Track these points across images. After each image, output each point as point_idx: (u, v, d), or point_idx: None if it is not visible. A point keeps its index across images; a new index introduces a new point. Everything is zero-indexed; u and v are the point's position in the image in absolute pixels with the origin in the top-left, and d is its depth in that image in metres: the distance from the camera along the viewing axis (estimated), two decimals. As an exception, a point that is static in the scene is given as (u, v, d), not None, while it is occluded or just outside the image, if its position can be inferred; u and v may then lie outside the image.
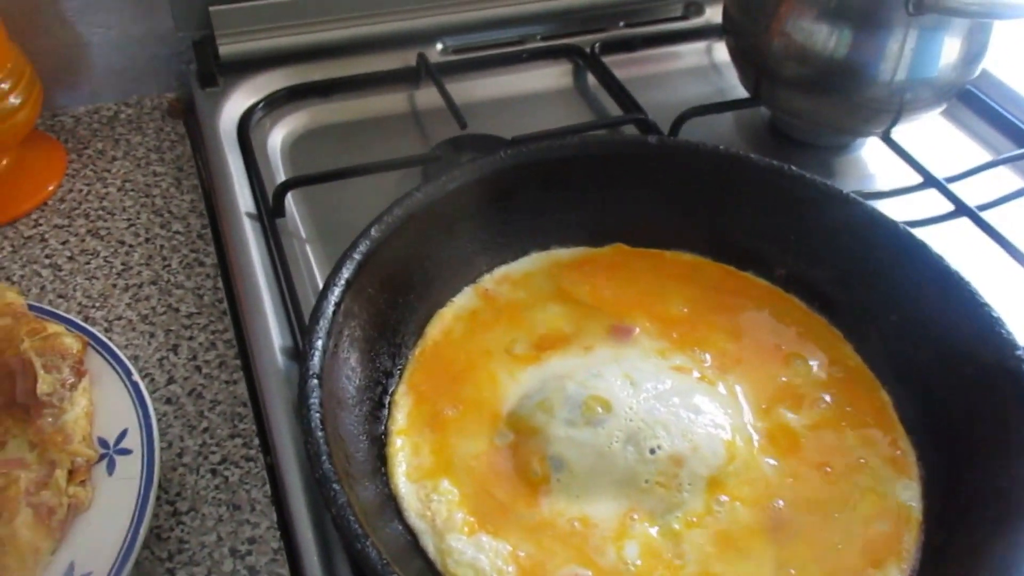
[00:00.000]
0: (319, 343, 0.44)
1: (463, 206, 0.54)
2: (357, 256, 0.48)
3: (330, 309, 0.45)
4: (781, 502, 0.45)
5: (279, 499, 0.51)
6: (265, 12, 0.75)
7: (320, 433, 0.40)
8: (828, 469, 0.47)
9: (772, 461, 0.47)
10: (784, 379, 0.52)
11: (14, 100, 0.63)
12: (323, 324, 0.44)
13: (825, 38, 0.66)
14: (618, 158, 0.57)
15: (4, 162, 0.67)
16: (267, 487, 0.52)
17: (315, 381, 0.42)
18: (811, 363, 0.53)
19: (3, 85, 0.62)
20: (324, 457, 0.39)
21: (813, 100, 0.70)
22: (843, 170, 0.75)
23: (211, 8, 0.72)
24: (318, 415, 0.41)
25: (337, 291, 0.46)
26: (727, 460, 0.46)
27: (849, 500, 0.46)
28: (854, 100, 0.68)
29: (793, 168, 0.56)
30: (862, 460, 0.48)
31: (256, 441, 0.54)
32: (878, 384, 0.52)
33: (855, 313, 0.54)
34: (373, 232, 0.49)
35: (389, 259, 0.50)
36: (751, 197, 0.57)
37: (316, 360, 0.43)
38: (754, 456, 0.47)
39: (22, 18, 0.66)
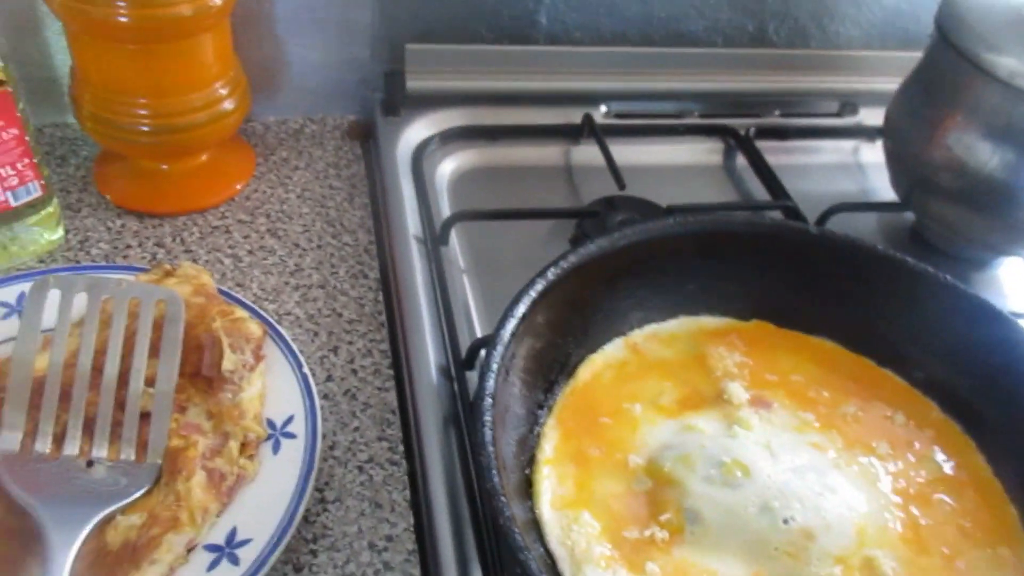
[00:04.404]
0: (495, 366, 0.47)
1: (628, 263, 0.58)
2: (533, 293, 0.52)
3: (507, 336, 0.49)
4: (905, 594, 0.47)
5: (416, 504, 0.55)
6: (453, 55, 0.81)
7: (491, 448, 0.44)
8: (953, 571, 0.48)
9: (900, 553, 0.49)
10: (914, 476, 0.53)
11: (228, 105, 0.70)
12: (500, 350, 0.48)
13: (987, 156, 0.68)
14: (779, 241, 0.60)
15: (204, 158, 0.74)
16: (407, 491, 0.56)
17: (490, 400, 0.46)
18: (942, 467, 0.54)
19: (223, 90, 0.69)
20: (494, 471, 0.43)
21: (964, 214, 0.72)
22: (982, 285, 0.76)
23: (407, 45, 0.79)
24: (490, 432, 0.44)
25: (514, 322, 0.50)
26: (857, 543, 0.48)
27: (973, 607, 0.47)
28: (1006, 220, 0.70)
29: (948, 277, 0.58)
30: (987, 572, 0.49)
31: (401, 447, 0.58)
32: (1007, 500, 0.53)
33: (992, 426, 0.56)
34: (549, 274, 0.53)
35: (557, 301, 0.54)
36: (901, 298, 0.59)
37: (491, 382, 0.47)
38: (883, 544, 0.49)
39: (243, 31, 0.73)
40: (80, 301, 0.55)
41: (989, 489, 0.54)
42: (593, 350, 0.58)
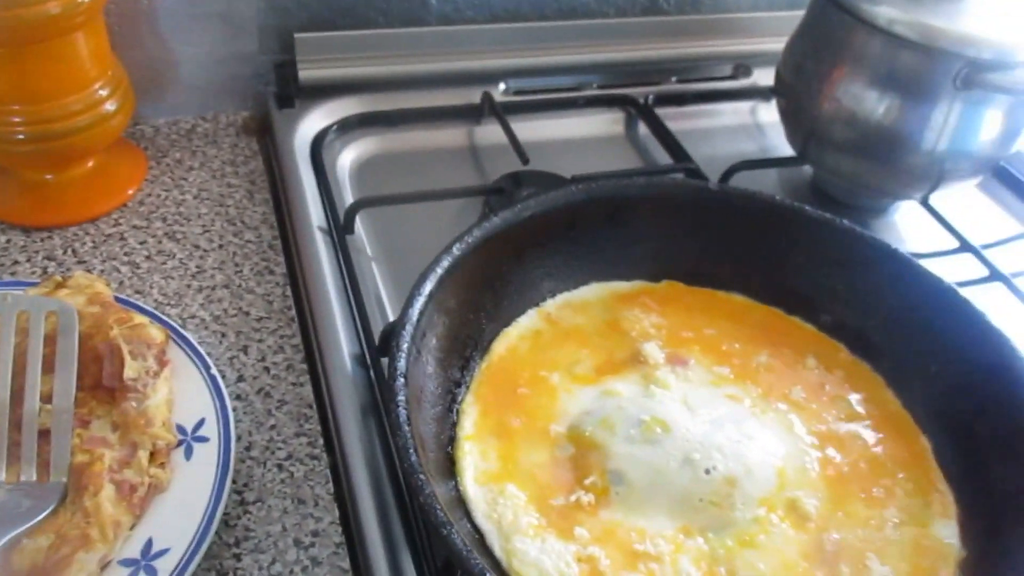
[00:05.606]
0: (405, 346, 0.47)
1: (534, 233, 0.58)
2: (439, 270, 0.51)
3: (415, 315, 0.48)
4: (828, 529, 0.48)
5: (341, 497, 0.54)
6: (345, 42, 0.79)
7: (407, 428, 0.43)
8: (871, 503, 0.50)
9: (820, 491, 0.50)
10: (828, 416, 0.55)
11: (110, 107, 0.67)
12: (408, 329, 0.47)
13: (874, 105, 0.70)
14: (680, 201, 0.61)
15: (90, 164, 0.71)
16: (330, 485, 0.54)
17: (402, 380, 0.45)
18: (854, 405, 0.56)
19: (102, 91, 0.66)
20: (411, 450, 0.42)
21: (858, 162, 0.74)
22: (881, 231, 0.78)
23: (296, 35, 0.77)
24: (404, 411, 0.44)
25: (421, 300, 0.49)
26: (778, 486, 0.49)
27: (891, 535, 0.49)
28: (897, 165, 0.72)
29: (845, 221, 0.59)
30: (903, 499, 0.51)
31: (320, 441, 0.57)
32: (918, 430, 0.55)
33: (897, 361, 0.57)
34: (455, 250, 0.52)
35: (466, 277, 0.54)
36: (803, 246, 0.60)
37: (402, 362, 0.46)
38: (803, 484, 0.50)
39: (122, 30, 0.70)
40: (-38, 320, 0.52)
41: (900, 422, 0.55)
42: (507, 323, 0.57)
